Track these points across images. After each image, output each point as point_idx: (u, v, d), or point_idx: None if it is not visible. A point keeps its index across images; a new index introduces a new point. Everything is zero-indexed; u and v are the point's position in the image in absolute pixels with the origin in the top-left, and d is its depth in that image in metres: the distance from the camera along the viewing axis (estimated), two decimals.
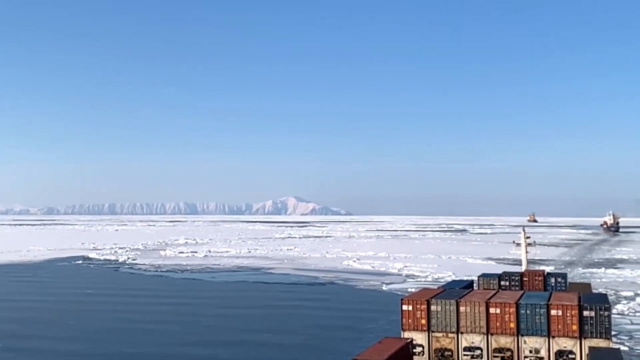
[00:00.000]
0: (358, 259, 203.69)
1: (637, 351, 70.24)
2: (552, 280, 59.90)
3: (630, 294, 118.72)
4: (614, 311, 64.28)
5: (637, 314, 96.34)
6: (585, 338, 42.24)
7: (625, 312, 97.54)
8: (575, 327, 42.42)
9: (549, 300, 44.65)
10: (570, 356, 42.40)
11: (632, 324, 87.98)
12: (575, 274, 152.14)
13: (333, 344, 77.86)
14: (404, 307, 45.77)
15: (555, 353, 42.72)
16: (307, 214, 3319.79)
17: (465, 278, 71.15)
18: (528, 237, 77.96)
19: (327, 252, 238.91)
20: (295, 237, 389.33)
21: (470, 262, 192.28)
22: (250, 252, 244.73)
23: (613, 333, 43.67)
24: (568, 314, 42.60)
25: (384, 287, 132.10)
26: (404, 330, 45.65)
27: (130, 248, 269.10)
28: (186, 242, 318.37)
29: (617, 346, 51.04)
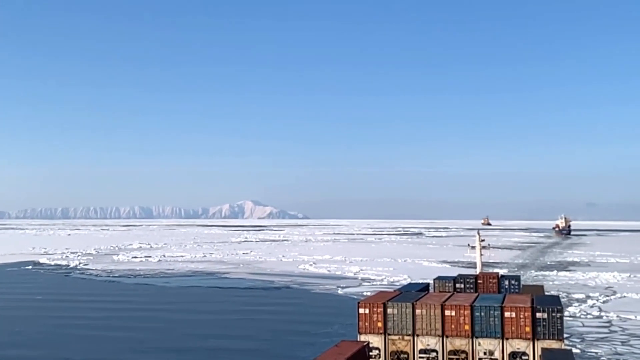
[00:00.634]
0: (314, 263, 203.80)
1: (589, 353, 71.46)
2: (506, 282, 60.68)
3: (582, 296, 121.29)
4: (566, 313, 65.55)
5: (589, 316, 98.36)
6: (538, 339, 42.82)
7: (577, 315, 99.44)
8: (528, 329, 43.00)
9: (502, 303, 45.21)
10: (523, 357, 42.96)
11: (583, 326, 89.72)
12: (528, 277, 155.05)
13: (287, 349, 77.43)
14: (361, 310, 45.89)
15: (509, 355, 43.24)
16: (265, 217, 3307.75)
17: (420, 281, 71.67)
18: (482, 240, 79.05)
19: (283, 256, 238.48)
20: (251, 241, 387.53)
21: (425, 265, 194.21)
22: (205, 256, 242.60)
23: (565, 335, 44.48)
24: (521, 316, 43.17)
25: (340, 291, 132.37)
26: (360, 333, 45.71)
27: (82, 253, 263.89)
28: (140, 247, 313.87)
29: (569, 347, 52.13)
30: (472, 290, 58.97)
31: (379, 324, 45.29)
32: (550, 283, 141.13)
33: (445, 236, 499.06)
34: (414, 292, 53.02)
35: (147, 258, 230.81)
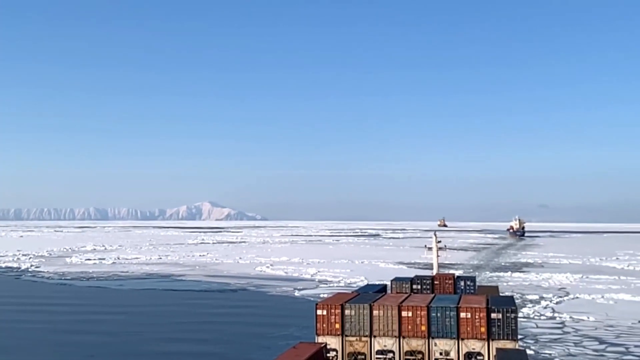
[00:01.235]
0: (271, 265, 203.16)
1: (543, 354, 72.42)
2: (462, 283, 61.46)
3: (536, 297, 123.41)
4: (520, 314, 66.58)
5: (542, 317, 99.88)
6: (493, 340, 43.30)
7: (531, 316, 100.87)
8: (483, 329, 43.47)
9: (458, 303, 45.65)
10: (478, 357, 43.43)
11: (537, 327, 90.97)
12: (483, 278, 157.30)
13: (242, 352, 76.79)
14: (319, 312, 45.85)
15: (465, 355, 43.67)
16: (222, 219, 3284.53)
17: (377, 282, 72.07)
18: (439, 242, 79.90)
19: (240, 258, 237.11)
20: (208, 243, 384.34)
21: (382, 267, 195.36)
22: (161, 258, 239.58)
23: (519, 336, 45.17)
24: (477, 317, 43.60)
25: (297, 293, 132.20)
26: (318, 335, 45.64)
27: (34, 255, 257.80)
28: (94, 249, 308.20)
29: (523, 348, 53.02)
30: (428, 291, 59.52)
31: (337, 326, 45.30)
32: (505, 284, 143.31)
33: (402, 237, 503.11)
34: (372, 294, 53.22)
35: (101, 260, 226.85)
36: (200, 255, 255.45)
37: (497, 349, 42.37)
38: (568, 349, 75.87)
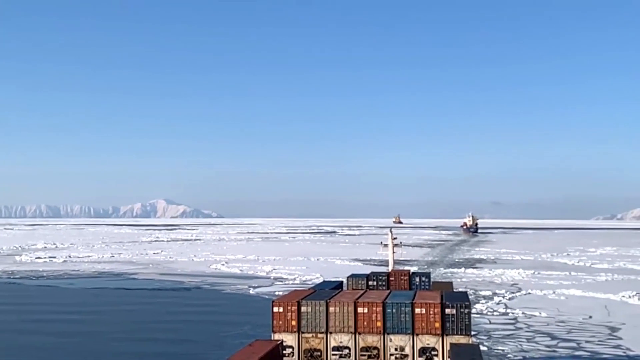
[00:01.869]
0: (226, 263, 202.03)
1: (495, 350, 73.54)
2: (417, 279, 62.22)
3: (489, 293, 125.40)
4: (473, 310, 67.65)
5: (495, 313, 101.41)
6: (447, 335, 44.04)
7: (484, 312, 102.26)
8: (437, 325, 44.20)
9: (413, 299, 46.25)
10: (432, 353, 44.17)
11: (490, 323, 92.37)
12: (438, 274, 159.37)
13: (194, 351, 76.10)
14: (275, 309, 45.91)
15: (419, 350, 44.29)
16: (178, 216, 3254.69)
17: (333, 279, 72.36)
18: (394, 238, 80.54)
19: (195, 256, 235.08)
20: (162, 241, 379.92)
21: (338, 264, 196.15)
22: (113, 256, 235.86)
23: (473, 332, 45.96)
24: (431, 312, 44.31)
25: (252, 291, 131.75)
26: (274, 332, 45.71)
27: None
28: (45, 247, 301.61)
29: (476, 343, 53.86)
30: (384, 288, 60.06)
31: (293, 323, 45.44)
32: (459, 280, 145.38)
33: (358, 234, 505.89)
34: (328, 290, 53.49)
35: (51, 259, 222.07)
36: (154, 253, 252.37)
37: (451, 344, 43.04)
38: (521, 345, 77.15)
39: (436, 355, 44.07)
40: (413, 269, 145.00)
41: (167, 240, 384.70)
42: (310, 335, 45.38)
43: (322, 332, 45.25)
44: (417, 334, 44.39)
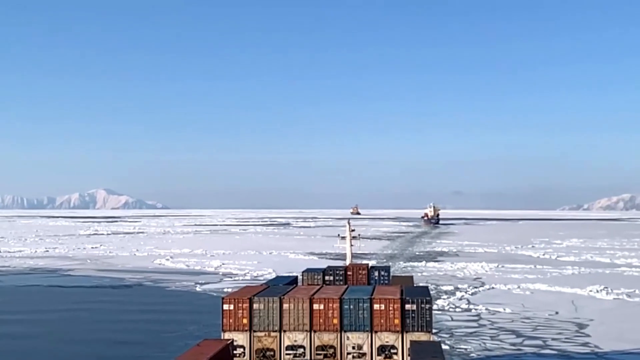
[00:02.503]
0: (171, 257, 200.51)
1: (458, 349, 74.27)
2: (376, 273, 62.75)
3: (451, 288, 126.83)
4: (434, 306, 68.41)
5: (457, 309, 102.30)
6: (407, 332, 44.59)
7: (446, 308, 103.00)
8: (397, 321, 44.70)
9: (372, 295, 46.71)
10: (392, 351, 44.72)
11: (452, 320, 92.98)
12: (398, 268, 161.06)
13: (136, 354, 75.05)
14: (225, 307, 45.78)
15: (378, 348, 44.78)
16: (119, 207, 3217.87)
17: (287, 274, 72.44)
18: (353, 230, 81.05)
19: (137, 250, 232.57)
20: (102, 234, 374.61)
21: (292, 258, 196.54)
22: (48, 251, 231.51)
23: (434, 330, 46.58)
24: (390, 308, 44.81)
25: (198, 288, 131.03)
26: (224, 331, 45.60)
27: None
28: None
29: (437, 340, 54.78)
30: (341, 283, 60.52)
31: (244, 321, 45.45)
32: (420, 274, 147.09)
33: (314, 226, 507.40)
34: (282, 286, 53.61)
35: None
36: (92, 248, 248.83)
37: (411, 342, 43.56)
38: (484, 343, 78.01)
39: (395, 353, 44.62)
40: (372, 262, 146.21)
41: (107, 234, 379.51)
42: (262, 334, 45.48)
43: (275, 331, 45.38)
44: (376, 331, 44.87)
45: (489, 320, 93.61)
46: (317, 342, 45.15)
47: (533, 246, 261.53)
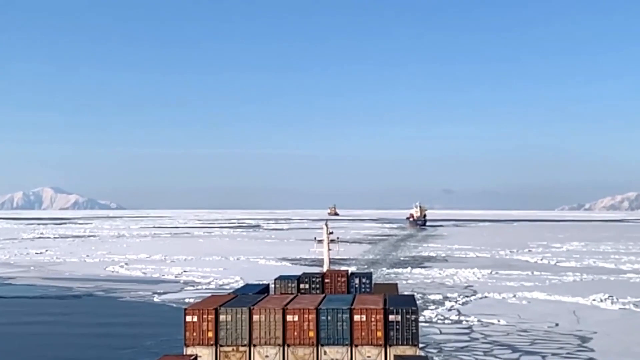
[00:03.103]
0: (127, 264, 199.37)
1: None
2: (356, 281, 62.66)
3: (439, 297, 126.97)
4: (421, 317, 68.63)
5: (447, 321, 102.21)
6: (390, 345, 44.61)
7: (434, 320, 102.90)
8: (380, 334, 44.69)
9: (352, 304, 46.66)
10: None
11: (441, 333, 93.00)
12: (380, 275, 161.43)
13: None
14: (188, 318, 45.55)
15: None
16: (68, 208, 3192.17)
17: (257, 282, 72.38)
18: (330, 233, 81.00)
19: (88, 256, 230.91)
20: (48, 238, 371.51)
21: (263, 264, 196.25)
22: None
23: (421, 344, 46.61)
24: (372, 319, 44.75)
25: (156, 298, 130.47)
26: (187, 345, 45.38)
27: None
28: None
29: (424, 355, 54.89)
30: (318, 291, 60.40)
31: (210, 334, 45.29)
32: (405, 282, 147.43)
33: (287, 229, 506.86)
34: (251, 295, 53.51)
35: None
36: (36, 253, 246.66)
37: (395, 356, 43.65)
38: (477, 359, 78.61)
39: None
40: (352, 269, 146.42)
41: (54, 237, 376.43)
42: (230, 348, 45.36)
43: (244, 345, 45.27)
44: (356, 345, 44.89)
45: (482, 333, 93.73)
46: (291, 357, 45.14)
47: (530, 250, 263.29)
